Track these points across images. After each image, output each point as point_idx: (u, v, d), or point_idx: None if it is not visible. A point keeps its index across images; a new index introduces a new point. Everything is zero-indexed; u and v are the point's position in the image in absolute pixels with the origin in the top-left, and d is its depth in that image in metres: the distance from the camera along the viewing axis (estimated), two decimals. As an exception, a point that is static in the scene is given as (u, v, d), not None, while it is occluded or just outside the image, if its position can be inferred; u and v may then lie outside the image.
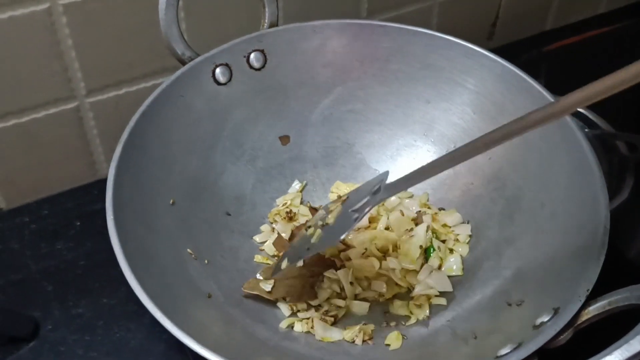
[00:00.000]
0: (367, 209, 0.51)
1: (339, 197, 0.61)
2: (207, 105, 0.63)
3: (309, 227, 0.57)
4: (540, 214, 0.56)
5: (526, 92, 0.60)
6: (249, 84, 0.65)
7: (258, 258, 0.62)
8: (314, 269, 0.59)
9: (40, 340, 0.60)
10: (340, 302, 0.57)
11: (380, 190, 0.52)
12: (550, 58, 0.93)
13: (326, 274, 0.59)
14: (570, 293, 0.45)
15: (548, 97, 0.58)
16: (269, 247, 0.62)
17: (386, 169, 0.57)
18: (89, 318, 0.62)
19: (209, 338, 0.46)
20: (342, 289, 0.58)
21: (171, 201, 0.57)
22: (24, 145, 0.69)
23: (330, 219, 0.55)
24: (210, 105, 0.63)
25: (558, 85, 0.73)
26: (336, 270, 0.59)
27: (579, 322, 0.44)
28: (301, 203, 0.66)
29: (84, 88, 0.69)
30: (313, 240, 0.55)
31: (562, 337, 0.43)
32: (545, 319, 0.45)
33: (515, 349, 0.43)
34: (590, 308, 0.44)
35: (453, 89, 0.65)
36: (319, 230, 0.56)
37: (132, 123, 0.56)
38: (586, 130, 0.77)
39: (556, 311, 0.45)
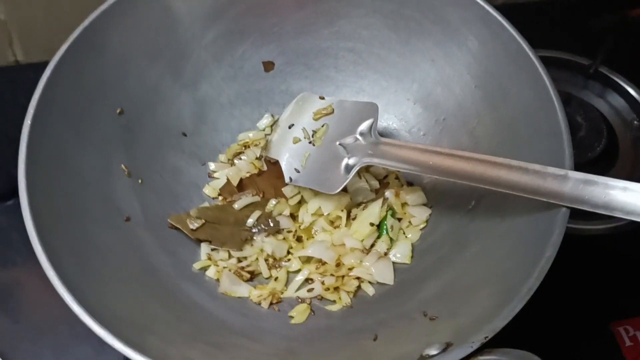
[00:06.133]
0: (356, 166, 0.54)
1: (323, 109, 0.58)
2: (188, 9, 0.57)
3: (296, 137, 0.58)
4: (496, 226, 0.50)
5: (534, 83, 0.51)
6: (242, -7, 0.58)
7: (208, 190, 0.59)
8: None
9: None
10: (265, 270, 0.54)
11: (371, 135, 0.54)
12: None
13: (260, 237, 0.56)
14: (469, 331, 0.40)
15: (552, 95, 0.50)
16: (221, 180, 0.59)
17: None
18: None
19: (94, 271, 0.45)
20: (274, 256, 0.55)
21: (118, 110, 0.54)
22: None
23: (318, 140, 0.56)
24: (192, 9, 0.57)
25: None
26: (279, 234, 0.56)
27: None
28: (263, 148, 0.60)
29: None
30: (302, 162, 0.56)
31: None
32: (433, 351, 0.41)
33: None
34: (480, 358, 0.39)
35: (462, 55, 0.56)
36: (307, 152, 0.56)
37: (97, 12, 0.51)
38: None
39: (446, 347, 0.40)
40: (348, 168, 0.54)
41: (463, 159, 0.48)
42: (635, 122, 0.72)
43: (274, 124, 0.62)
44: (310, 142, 0.57)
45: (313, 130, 0.57)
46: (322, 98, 0.59)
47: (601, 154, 0.68)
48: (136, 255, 0.50)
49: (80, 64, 0.51)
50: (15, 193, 0.59)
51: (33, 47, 0.70)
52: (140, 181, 0.54)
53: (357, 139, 0.55)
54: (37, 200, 0.44)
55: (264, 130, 0.62)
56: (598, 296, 0.59)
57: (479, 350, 0.39)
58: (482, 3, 0.54)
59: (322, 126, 0.57)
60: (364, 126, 0.55)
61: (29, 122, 0.46)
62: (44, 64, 0.47)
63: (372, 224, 0.54)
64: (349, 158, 0.54)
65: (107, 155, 0.52)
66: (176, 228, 0.54)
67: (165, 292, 0.49)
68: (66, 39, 0.50)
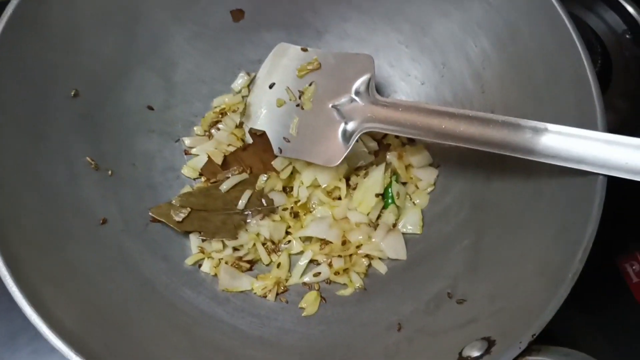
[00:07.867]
0: (355, 133, 0.47)
1: (308, 63, 0.51)
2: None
3: (280, 99, 0.51)
4: (521, 187, 0.44)
5: (549, 19, 0.44)
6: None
7: (187, 170, 0.52)
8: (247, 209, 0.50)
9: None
10: (264, 257, 0.49)
11: (369, 94, 0.48)
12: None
13: (255, 220, 0.50)
14: (513, 325, 0.37)
15: (574, 37, 0.43)
16: (201, 157, 0.52)
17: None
18: None
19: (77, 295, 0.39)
20: (272, 239, 0.50)
21: (72, 92, 0.46)
22: None
23: (307, 102, 0.50)
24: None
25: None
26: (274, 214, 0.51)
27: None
28: (242, 113, 0.53)
29: None
30: (291, 129, 0.50)
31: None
32: (474, 353, 0.37)
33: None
34: (529, 358, 0.36)
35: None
36: (296, 117, 0.50)
37: None
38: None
39: (489, 347, 0.37)
40: (347, 135, 0.48)
41: (482, 122, 0.42)
42: (627, 35, 0.67)
43: (250, 84, 0.55)
44: (298, 105, 0.50)
45: (299, 91, 0.51)
46: (304, 50, 0.52)
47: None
48: (127, 269, 0.44)
49: (19, 47, 0.42)
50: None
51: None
52: (110, 172, 0.47)
53: (353, 100, 0.48)
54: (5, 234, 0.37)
55: (240, 92, 0.55)
56: (604, 232, 0.56)
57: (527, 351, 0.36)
58: None
59: (310, 85, 0.50)
60: (359, 83, 0.48)
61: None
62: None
63: (377, 195, 0.49)
64: (346, 123, 0.48)
65: (69, 150, 0.45)
66: (160, 221, 0.48)
67: (167, 306, 0.44)
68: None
